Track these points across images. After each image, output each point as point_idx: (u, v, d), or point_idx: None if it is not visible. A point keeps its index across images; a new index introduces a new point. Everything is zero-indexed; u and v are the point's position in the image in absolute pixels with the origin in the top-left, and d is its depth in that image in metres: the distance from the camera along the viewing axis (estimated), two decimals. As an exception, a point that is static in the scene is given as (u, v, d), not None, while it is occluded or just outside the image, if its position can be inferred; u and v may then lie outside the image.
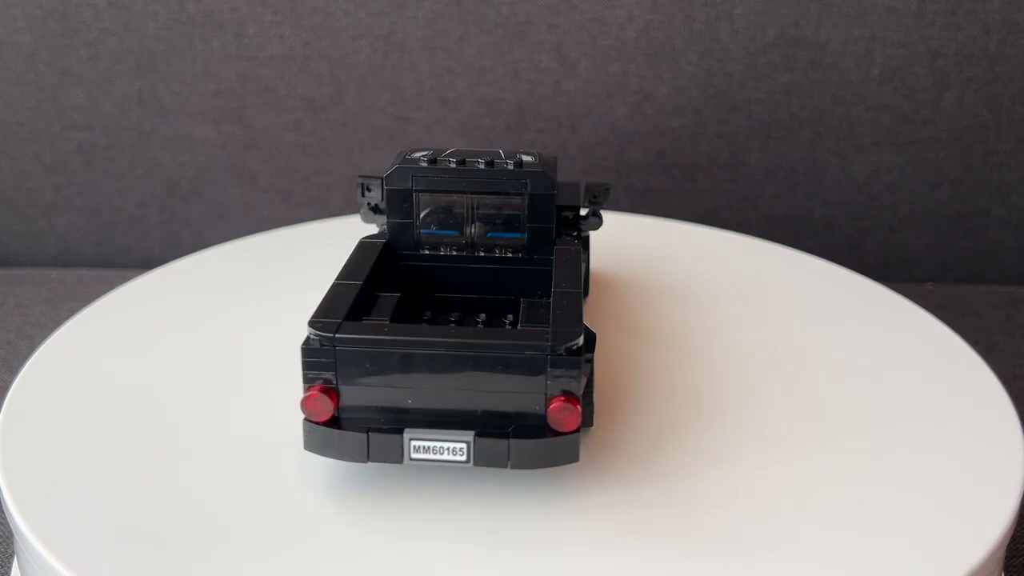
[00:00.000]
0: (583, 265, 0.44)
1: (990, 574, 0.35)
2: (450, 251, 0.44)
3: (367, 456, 0.35)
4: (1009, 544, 0.39)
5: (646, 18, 0.74)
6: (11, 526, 0.36)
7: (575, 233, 0.46)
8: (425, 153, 0.44)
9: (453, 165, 0.43)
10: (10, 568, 0.45)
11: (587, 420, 0.38)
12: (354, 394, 0.35)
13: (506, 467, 0.34)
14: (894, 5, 0.73)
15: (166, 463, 0.38)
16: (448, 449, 0.34)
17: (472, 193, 0.43)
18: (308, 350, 0.34)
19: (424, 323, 0.42)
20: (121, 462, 0.38)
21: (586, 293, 0.51)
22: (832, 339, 0.48)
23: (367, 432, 0.34)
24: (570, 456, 0.34)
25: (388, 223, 0.44)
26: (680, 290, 0.53)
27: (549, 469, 0.36)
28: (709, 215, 0.79)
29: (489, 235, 0.44)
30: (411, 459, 0.34)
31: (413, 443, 0.34)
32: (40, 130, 0.77)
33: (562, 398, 0.34)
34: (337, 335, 0.34)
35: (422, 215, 0.44)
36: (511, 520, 0.35)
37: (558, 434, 0.34)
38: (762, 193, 0.79)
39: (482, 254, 0.44)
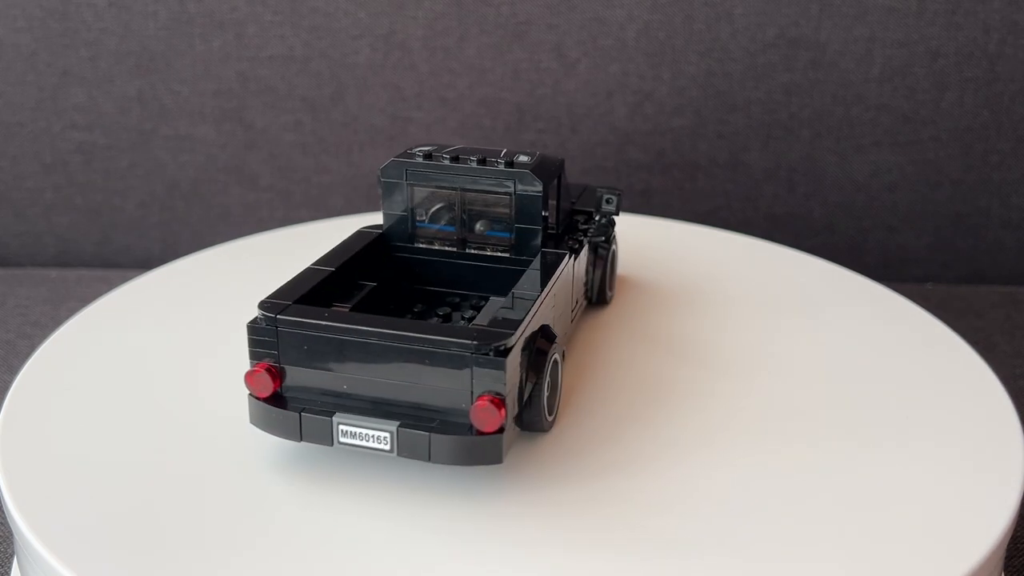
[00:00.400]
0: (572, 270, 0.44)
1: (990, 574, 0.35)
2: (444, 246, 0.44)
3: (300, 436, 0.36)
4: (1009, 544, 0.39)
5: (646, 18, 0.74)
6: (11, 526, 0.36)
7: (603, 238, 0.47)
8: (427, 149, 0.44)
9: (446, 161, 0.43)
10: (10, 568, 0.45)
11: (537, 425, 0.37)
12: (295, 375, 0.36)
13: (427, 460, 0.34)
14: (894, 5, 0.73)
15: (166, 463, 0.38)
16: (373, 437, 0.35)
17: (461, 190, 0.43)
18: (253, 328, 0.36)
19: (402, 315, 0.42)
20: (121, 462, 0.38)
21: (599, 300, 0.50)
22: (832, 339, 0.48)
23: (300, 412, 0.35)
24: (492, 457, 0.34)
25: (383, 215, 0.44)
26: (680, 290, 0.53)
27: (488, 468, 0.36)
28: (709, 215, 0.79)
29: (481, 232, 0.44)
30: (339, 442, 0.35)
31: (341, 427, 0.35)
32: (40, 130, 0.77)
33: (487, 398, 0.34)
34: (279, 316, 0.35)
35: (414, 209, 0.44)
36: (446, 509, 0.35)
37: (481, 433, 0.34)
38: (762, 193, 0.79)
39: (472, 251, 0.44)
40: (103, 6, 0.74)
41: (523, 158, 0.43)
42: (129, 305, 0.51)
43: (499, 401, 0.34)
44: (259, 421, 0.36)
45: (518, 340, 0.35)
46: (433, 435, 0.34)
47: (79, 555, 0.33)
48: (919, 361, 0.47)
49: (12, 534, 0.44)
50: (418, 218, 0.44)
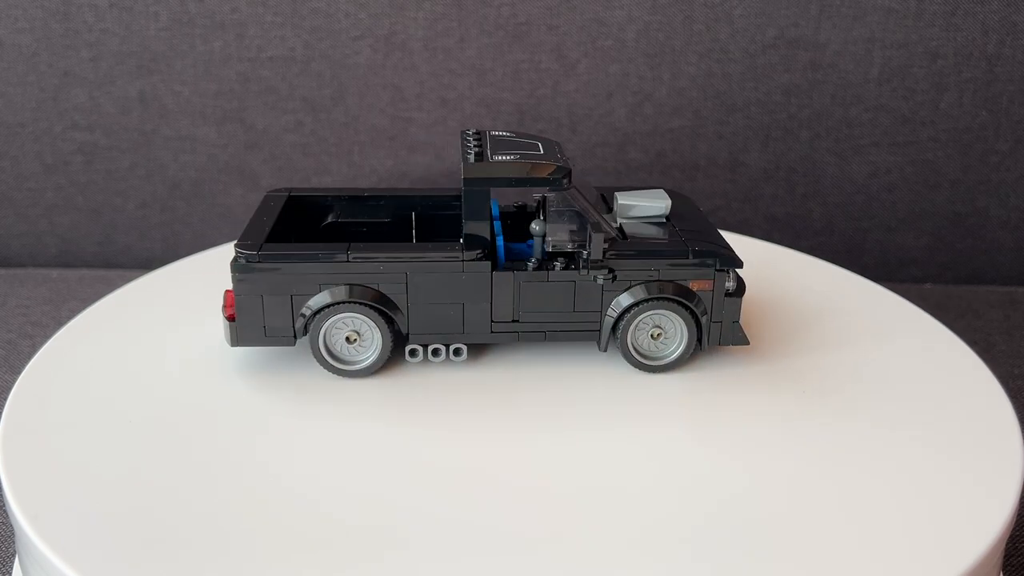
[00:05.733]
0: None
1: (988, 574, 0.35)
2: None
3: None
4: (1007, 543, 0.39)
5: (646, 19, 0.74)
6: (13, 525, 0.36)
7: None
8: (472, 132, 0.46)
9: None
10: (11, 567, 0.45)
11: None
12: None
13: None
14: (893, 6, 0.73)
15: (168, 462, 0.38)
16: None
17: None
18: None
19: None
20: (123, 462, 0.38)
21: None
22: (830, 339, 0.49)
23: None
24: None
25: None
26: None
27: None
28: (708, 215, 0.79)
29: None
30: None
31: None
32: (41, 131, 0.77)
33: None
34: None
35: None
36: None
37: None
38: (761, 193, 0.79)
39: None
40: (104, 7, 0.74)
41: (503, 157, 0.44)
42: (131, 305, 0.51)
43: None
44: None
45: None
46: None
47: (80, 554, 0.33)
48: (918, 361, 0.47)
49: (14, 533, 0.44)
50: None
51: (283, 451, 0.39)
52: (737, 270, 0.45)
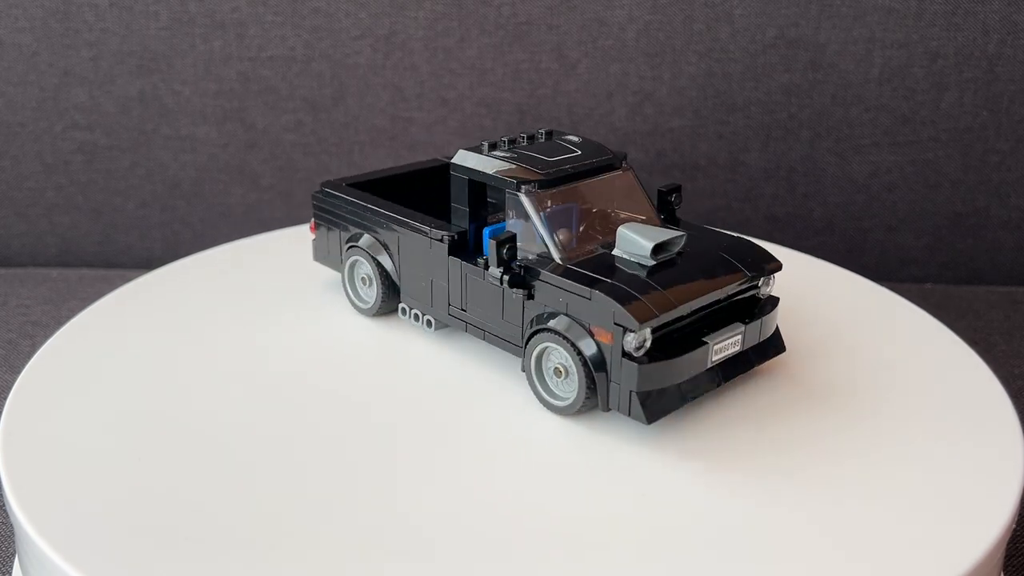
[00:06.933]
0: None
1: (989, 574, 0.35)
2: None
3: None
4: (1009, 543, 0.39)
5: (646, 19, 0.74)
6: (13, 524, 0.36)
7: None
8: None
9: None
10: (11, 567, 0.45)
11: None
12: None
13: None
14: (894, 6, 0.73)
15: (167, 462, 0.38)
16: None
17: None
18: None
19: None
20: (123, 460, 0.38)
21: None
22: (831, 339, 0.49)
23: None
24: None
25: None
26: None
27: None
28: (709, 215, 0.79)
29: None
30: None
31: None
32: (42, 130, 0.77)
33: None
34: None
35: None
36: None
37: None
38: (762, 193, 0.79)
39: None
40: (104, 6, 0.74)
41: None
42: (131, 305, 0.51)
43: None
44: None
45: None
46: None
47: (81, 553, 0.33)
48: (918, 361, 0.47)
49: (14, 533, 0.44)
50: None
51: (283, 450, 0.39)
52: (642, 333, 0.37)
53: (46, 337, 0.48)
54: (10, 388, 0.43)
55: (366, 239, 0.49)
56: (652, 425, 0.40)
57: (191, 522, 0.35)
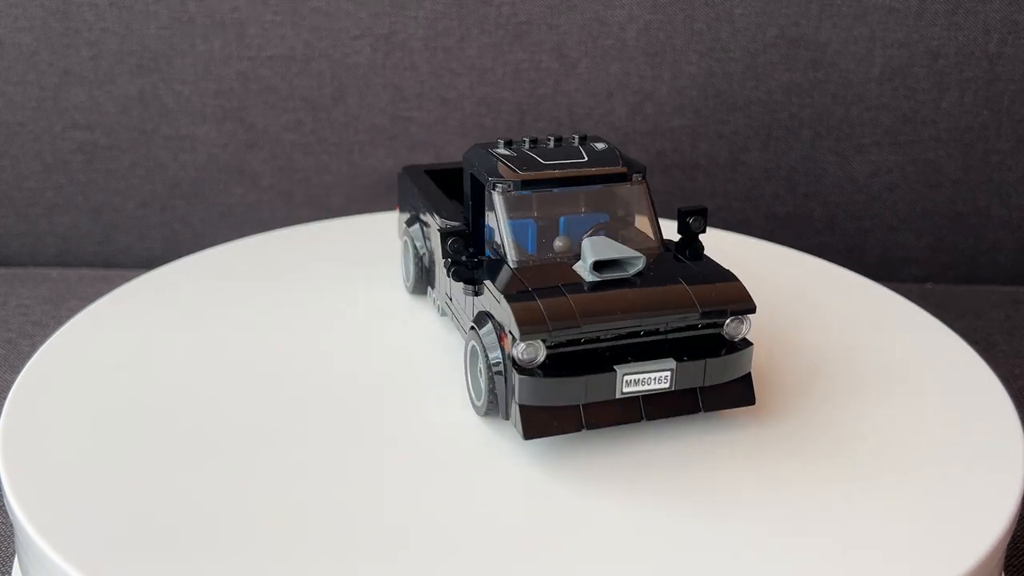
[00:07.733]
0: None
1: (990, 574, 0.35)
2: None
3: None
4: (1009, 544, 0.39)
5: (646, 18, 0.74)
6: (13, 523, 0.36)
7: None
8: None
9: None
10: (11, 567, 0.45)
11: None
12: None
13: None
14: (894, 5, 0.73)
15: (167, 461, 0.38)
16: None
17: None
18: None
19: None
20: (123, 461, 0.38)
21: None
22: (831, 339, 0.49)
23: None
24: None
25: None
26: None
27: None
28: (709, 215, 0.78)
29: None
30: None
31: None
32: (41, 130, 0.77)
33: None
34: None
35: None
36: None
37: None
38: (762, 193, 0.79)
39: None
40: (104, 6, 0.74)
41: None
42: (130, 305, 0.51)
43: None
44: None
45: None
46: None
47: (81, 553, 0.33)
48: (919, 361, 0.47)
49: (13, 532, 0.44)
50: None
51: (284, 450, 0.39)
52: (533, 345, 0.36)
53: (46, 337, 0.48)
54: (10, 388, 0.43)
55: (412, 221, 0.51)
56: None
57: (191, 522, 0.35)
